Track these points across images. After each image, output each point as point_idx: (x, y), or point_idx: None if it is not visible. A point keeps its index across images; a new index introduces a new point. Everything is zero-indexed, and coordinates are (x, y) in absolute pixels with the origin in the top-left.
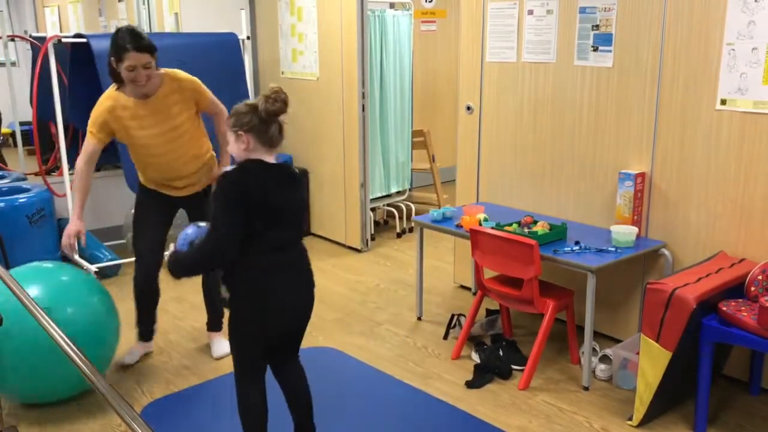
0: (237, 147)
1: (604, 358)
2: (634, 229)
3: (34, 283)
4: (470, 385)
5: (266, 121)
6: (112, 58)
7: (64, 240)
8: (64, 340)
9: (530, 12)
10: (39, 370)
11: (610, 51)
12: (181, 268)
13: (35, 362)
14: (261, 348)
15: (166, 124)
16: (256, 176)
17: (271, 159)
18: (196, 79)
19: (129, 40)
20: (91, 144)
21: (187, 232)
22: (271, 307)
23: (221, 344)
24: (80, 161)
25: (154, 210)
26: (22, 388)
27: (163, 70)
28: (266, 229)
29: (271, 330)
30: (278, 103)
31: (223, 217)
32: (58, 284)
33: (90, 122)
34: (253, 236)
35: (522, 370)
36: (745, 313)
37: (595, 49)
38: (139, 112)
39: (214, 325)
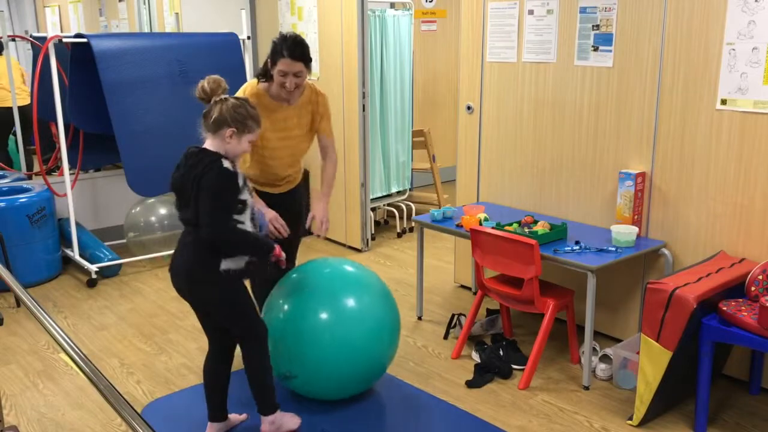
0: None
1: (605, 358)
2: (635, 229)
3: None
4: (470, 384)
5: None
6: (268, 60)
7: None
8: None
9: (530, 12)
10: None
11: (611, 51)
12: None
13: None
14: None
15: (293, 131)
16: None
17: (207, 143)
18: (327, 101)
19: (286, 46)
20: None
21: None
22: None
23: None
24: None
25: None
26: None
27: (308, 81)
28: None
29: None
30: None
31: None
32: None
33: None
34: None
35: (522, 370)
36: (746, 313)
37: (596, 49)
38: (276, 115)
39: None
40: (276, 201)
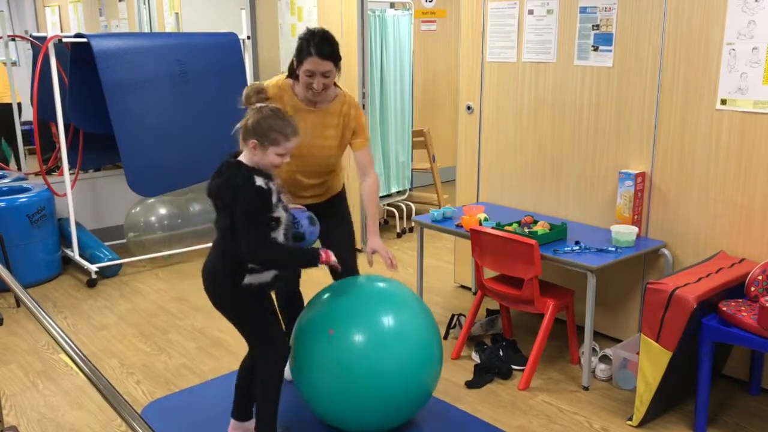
0: None
1: (604, 358)
2: (634, 229)
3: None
4: (470, 385)
5: None
6: (294, 59)
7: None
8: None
9: (530, 12)
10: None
11: (611, 51)
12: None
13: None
14: None
15: (315, 140)
16: None
17: (242, 154)
18: (363, 118)
19: (314, 44)
20: None
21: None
22: None
23: None
24: None
25: None
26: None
27: (340, 89)
28: None
29: None
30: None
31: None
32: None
33: None
34: None
35: (522, 370)
36: (745, 313)
37: (596, 49)
38: (296, 115)
39: None
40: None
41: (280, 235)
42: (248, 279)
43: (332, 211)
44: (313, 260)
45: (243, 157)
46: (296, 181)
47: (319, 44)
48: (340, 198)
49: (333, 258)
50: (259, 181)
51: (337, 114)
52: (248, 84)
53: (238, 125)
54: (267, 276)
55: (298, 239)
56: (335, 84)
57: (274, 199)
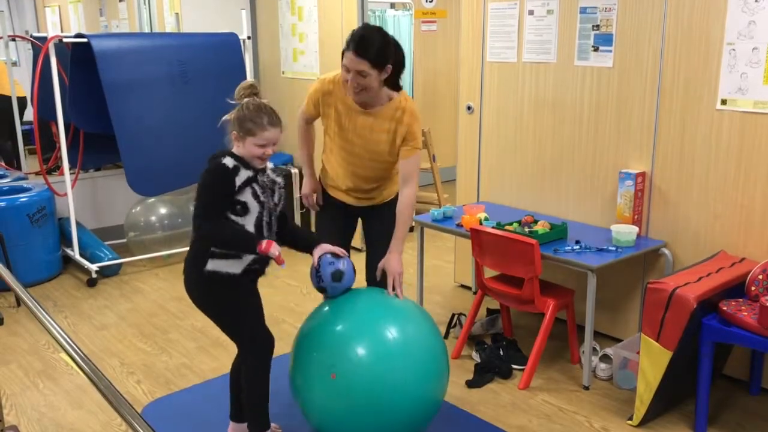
0: None
1: (605, 358)
2: (635, 229)
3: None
4: (471, 384)
5: None
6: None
7: (304, 201)
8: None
9: (530, 12)
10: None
11: (611, 51)
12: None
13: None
14: None
15: (365, 143)
16: None
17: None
18: (419, 127)
19: (352, 39)
20: (306, 111)
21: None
22: None
23: None
24: (298, 120)
25: (331, 218)
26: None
27: (399, 94)
28: None
29: None
30: None
31: None
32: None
33: (307, 96)
34: None
35: (522, 370)
36: (746, 313)
37: (596, 49)
38: (347, 113)
39: None
40: (353, 214)
41: (249, 224)
42: (211, 265)
43: (380, 219)
44: (250, 246)
45: (233, 148)
46: (349, 179)
47: (357, 41)
48: (390, 206)
49: (274, 250)
50: (228, 161)
51: (389, 119)
52: None
53: (224, 118)
54: (236, 266)
55: (321, 291)
56: (395, 87)
57: (239, 181)
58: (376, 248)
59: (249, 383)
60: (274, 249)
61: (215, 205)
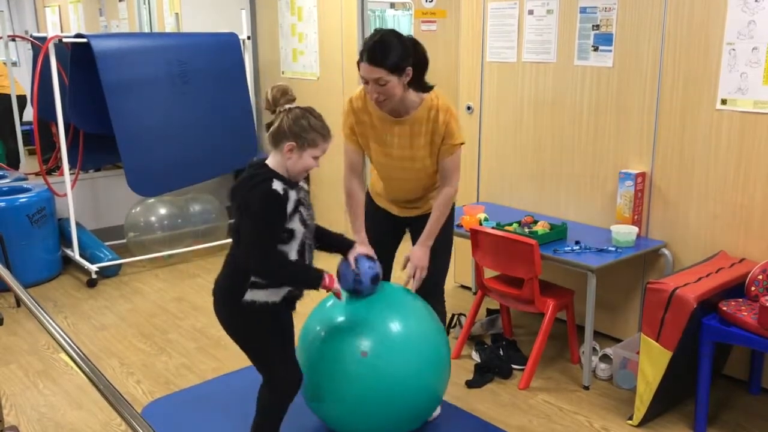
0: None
1: (605, 358)
2: (635, 229)
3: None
4: (470, 384)
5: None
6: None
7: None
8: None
9: (530, 12)
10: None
11: (611, 51)
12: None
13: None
14: None
15: (405, 152)
16: None
17: (269, 158)
18: (456, 122)
19: (368, 47)
20: (349, 150)
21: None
22: None
23: None
24: (345, 178)
25: (378, 225)
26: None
27: (430, 94)
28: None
29: None
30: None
31: None
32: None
33: (342, 124)
34: None
35: (522, 370)
36: (746, 313)
37: (596, 49)
38: (382, 126)
39: None
40: (400, 223)
41: (293, 251)
42: (250, 295)
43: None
44: (313, 283)
45: (270, 161)
46: (388, 190)
47: (370, 49)
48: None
49: (336, 285)
50: (277, 185)
51: (425, 121)
52: (248, 84)
53: (270, 128)
54: (276, 294)
55: (354, 292)
56: (424, 88)
57: (290, 208)
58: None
59: (262, 414)
60: (337, 284)
61: (271, 238)
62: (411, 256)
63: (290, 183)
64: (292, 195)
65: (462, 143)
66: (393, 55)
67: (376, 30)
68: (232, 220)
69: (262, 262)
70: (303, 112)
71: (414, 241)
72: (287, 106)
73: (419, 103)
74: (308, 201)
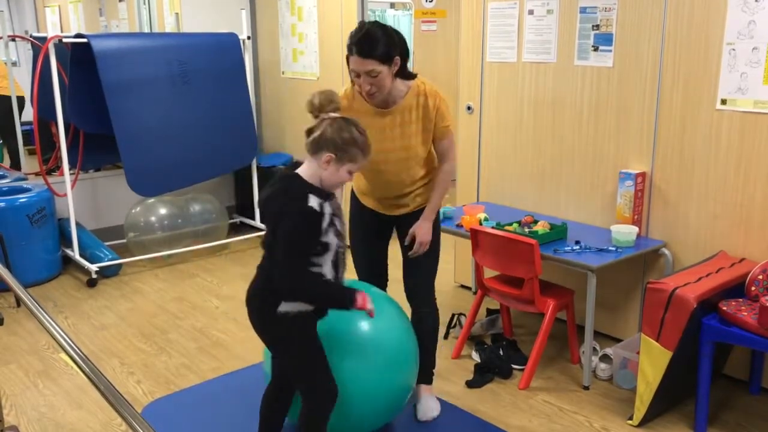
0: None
1: (605, 358)
2: (635, 229)
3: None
4: (470, 384)
5: None
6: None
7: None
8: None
9: (530, 12)
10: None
11: (611, 51)
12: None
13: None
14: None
15: (398, 142)
16: None
17: (303, 166)
18: (445, 105)
19: (353, 41)
20: None
21: None
22: None
23: (430, 403)
24: None
25: (364, 225)
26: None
27: (416, 81)
28: None
29: None
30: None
31: None
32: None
33: None
34: None
35: (522, 370)
36: (746, 313)
37: (596, 49)
38: (371, 121)
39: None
40: (387, 223)
41: (326, 263)
42: (284, 306)
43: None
44: (347, 302)
45: (303, 171)
46: (376, 189)
47: (359, 42)
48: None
49: (370, 305)
50: (313, 202)
51: (414, 107)
52: (247, 84)
53: (310, 134)
54: (307, 305)
55: None
56: (408, 76)
57: (325, 223)
58: (414, 259)
59: (305, 428)
60: (370, 303)
61: (305, 258)
62: (416, 231)
63: (324, 194)
64: (327, 209)
65: (451, 128)
66: (382, 46)
67: (360, 23)
68: (232, 220)
69: (294, 283)
70: (347, 124)
71: (401, 242)
72: (332, 115)
73: (406, 91)
74: (341, 211)
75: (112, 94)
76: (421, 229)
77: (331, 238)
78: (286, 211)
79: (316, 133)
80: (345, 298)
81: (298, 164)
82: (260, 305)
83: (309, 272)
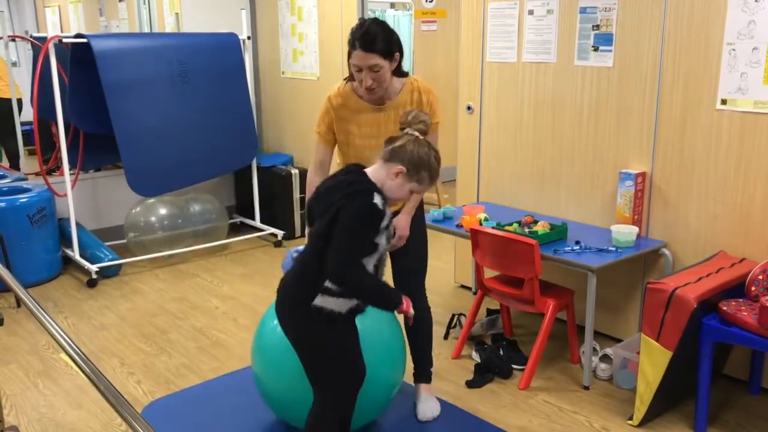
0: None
1: (605, 358)
2: (635, 229)
3: None
4: (471, 384)
5: None
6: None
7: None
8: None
9: (530, 12)
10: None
11: (611, 51)
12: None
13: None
14: None
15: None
16: None
17: (372, 167)
18: (437, 101)
19: (358, 36)
20: (320, 149)
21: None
22: None
23: (429, 403)
24: (311, 173)
25: None
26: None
27: (409, 78)
28: None
29: None
30: None
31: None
32: None
33: (318, 122)
34: None
35: (522, 370)
36: (746, 313)
37: (596, 49)
38: (367, 117)
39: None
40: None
41: (370, 264)
42: (320, 300)
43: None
44: (393, 304)
45: (370, 172)
46: None
47: (362, 37)
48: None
49: (412, 310)
50: (377, 199)
51: (408, 103)
52: (247, 84)
53: (392, 142)
54: (343, 305)
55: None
56: (402, 74)
57: (384, 224)
58: (401, 258)
59: (310, 428)
60: (412, 309)
61: (361, 249)
62: (396, 225)
63: (386, 198)
64: (388, 211)
65: (438, 123)
66: (383, 41)
67: (360, 19)
68: (233, 220)
69: (348, 271)
70: (429, 148)
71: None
72: (416, 134)
73: (401, 88)
74: (392, 222)
75: (112, 94)
76: (400, 222)
77: (382, 240)
78: (351, 203)
79: (398, 143)
80: (393, 298)
81: (361, 166)
82: (294, 296)
83: (361, 264)
